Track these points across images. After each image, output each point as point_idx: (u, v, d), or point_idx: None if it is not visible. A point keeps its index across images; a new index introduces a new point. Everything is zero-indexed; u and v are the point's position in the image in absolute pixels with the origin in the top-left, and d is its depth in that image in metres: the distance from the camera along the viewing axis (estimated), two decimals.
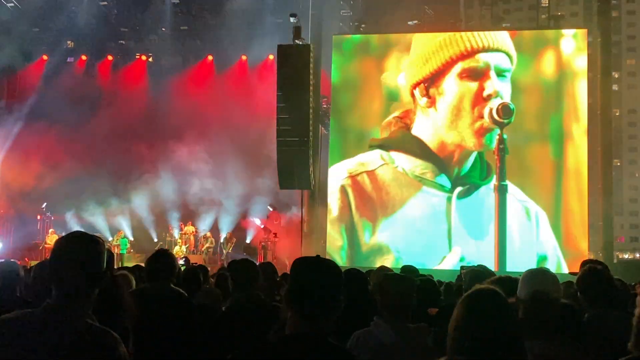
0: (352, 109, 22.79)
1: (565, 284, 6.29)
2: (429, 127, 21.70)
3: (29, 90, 25.06)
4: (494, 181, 21.06)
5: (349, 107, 22.85)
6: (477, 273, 5.31)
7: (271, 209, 23.92)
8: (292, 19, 21.15)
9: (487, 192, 21.18)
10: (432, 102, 21.63)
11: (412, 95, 21.78)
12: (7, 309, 3.95)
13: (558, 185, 21.15)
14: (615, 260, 21.48)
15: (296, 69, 20.15)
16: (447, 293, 6.73)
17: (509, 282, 3.64)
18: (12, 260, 6.06)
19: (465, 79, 21.39)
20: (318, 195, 22.30)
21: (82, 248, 2.56)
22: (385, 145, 21.84)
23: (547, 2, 26.01)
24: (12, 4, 24.75)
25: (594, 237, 20.98)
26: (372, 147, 21.89)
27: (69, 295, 2.50)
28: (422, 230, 20.87)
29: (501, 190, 20.86)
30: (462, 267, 7.21)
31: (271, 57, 23.60)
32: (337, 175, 21.98)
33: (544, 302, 3.12)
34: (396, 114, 21.93)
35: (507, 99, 21.16)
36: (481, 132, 21.19)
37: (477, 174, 21.39)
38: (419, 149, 21.61)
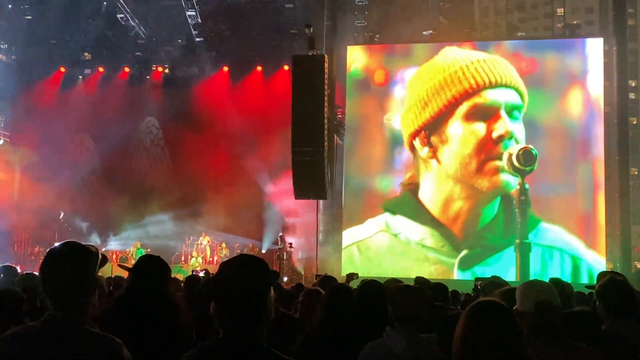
0: (352, 152, 21.95)
1: (580, 294, 6.26)
2: (433, 182, 19.89)
3: (46, 102, 25.25)
4: (517, 238, 19.09)
5: (349, 151, 22.02)
6: (494, 285, 5.30)
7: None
8: (306, 30, 21.21)
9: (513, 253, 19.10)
10: (434, 152, 19.79)
11: (411, 146, 20.16)
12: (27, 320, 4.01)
13: (588, 242, 19.60)
14: (633, 270, 21.25)
15: (311, 79, 20.17)
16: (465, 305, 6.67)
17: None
18: (32, 272, 6.12)
19: (471, 120, 19.39)
20: (333, 205, 22.31)
21: (72, 257, 2.58)
22: (391, 208, 20.50)
23: (562, 11, 25.97)
24: (29, 16, 25.02)
25: (611, 246, 20.77)
26: (383, 208, 20.66)
27: (63, 305, 2.52)
28: None
29: (523, 249, 19.12)
30: (476, 279, 7.19)
31: (286, 67, 23.68)
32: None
33: (549, 310, 3.15)
34: (402, 180, 20.52)
35: (521, 140, 19.19)
36: (492, 173, 19.24)
37: (500, 231, 19.26)
38: (420, 214, 19.90)
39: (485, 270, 17.67)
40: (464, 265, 19.44)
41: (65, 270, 2.54)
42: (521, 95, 19.72)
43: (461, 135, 19.65)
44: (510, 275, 18.50)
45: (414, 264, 19.56)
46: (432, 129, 19.97)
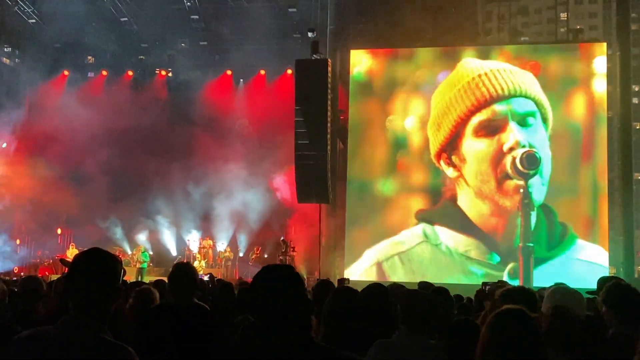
0: (355, 156, 21.76)
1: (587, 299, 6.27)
2: (466, 198, 19.60)
3: (50, 105, 25.29)
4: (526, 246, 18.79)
5: (352, 154, 21.83)
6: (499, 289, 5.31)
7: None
8: (310, 34, 21.23)
9: (564, 263, 18.75)
10: (459, 171, 19.60)
11: (441, 167, 20.05)
12: (29, 322, 4.01)
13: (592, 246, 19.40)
14: (636, 275, 21.21)
15: (314, 84, 20.19)
16: (463, 310, 6.68)
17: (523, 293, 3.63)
18: (33, 275, 6.15)
19: (481, 136, 19.29)
20: (336, 209, 22.29)
21: (97, 264, 2.60)
22: (430, 218, 20.07)
23: (566, 15, 25.92)
24: (33, 20, 25.07)
25: (614, 251, 20.73)
26: (418, 219, 20.20)
27: (84, 311, 2.53)
28: None
29: (525, 253, 18.91)
30: (483, 283, 7.18)
31: (289, 71, 23.71)
32: (364, 263, 20.49)
33: (564, 317, 3.16)
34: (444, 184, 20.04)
35: (539, 149, 18.95)
36: (513, 192, 18.98)
37: (544, 243, 18.96)
38: (461, 223, 19.52)
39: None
40: (512, 274, 19.09)
41: (90, 276, 2.56)
42: (534, 100, 19.53)
43: (475, 152, 19.51)
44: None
45: (459, 274, 19.31)
46: (451, 149, 19.87)
